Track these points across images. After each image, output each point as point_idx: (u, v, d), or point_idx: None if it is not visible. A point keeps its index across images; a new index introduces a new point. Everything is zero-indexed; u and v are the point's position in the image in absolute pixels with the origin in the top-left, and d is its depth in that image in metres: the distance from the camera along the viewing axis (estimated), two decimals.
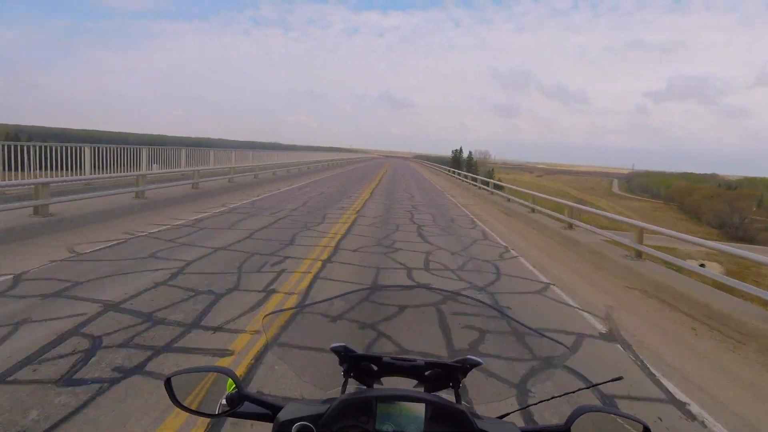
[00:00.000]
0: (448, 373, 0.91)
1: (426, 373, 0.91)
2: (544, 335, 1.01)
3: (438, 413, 0.80)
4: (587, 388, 0.99)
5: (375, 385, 0.93)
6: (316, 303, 1.13)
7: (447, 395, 0.88)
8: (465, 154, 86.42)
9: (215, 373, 0.85)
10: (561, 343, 0.94)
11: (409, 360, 0.92)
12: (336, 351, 0.92)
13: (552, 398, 0.92)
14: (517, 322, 0.96)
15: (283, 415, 0.82)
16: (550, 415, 2.00)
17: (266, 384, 2.54)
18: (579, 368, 2.34)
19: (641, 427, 0.78)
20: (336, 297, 1.07)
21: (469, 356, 0.91)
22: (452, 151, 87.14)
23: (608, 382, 0.97)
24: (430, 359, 0.92)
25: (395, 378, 0.94)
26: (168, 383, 0.83)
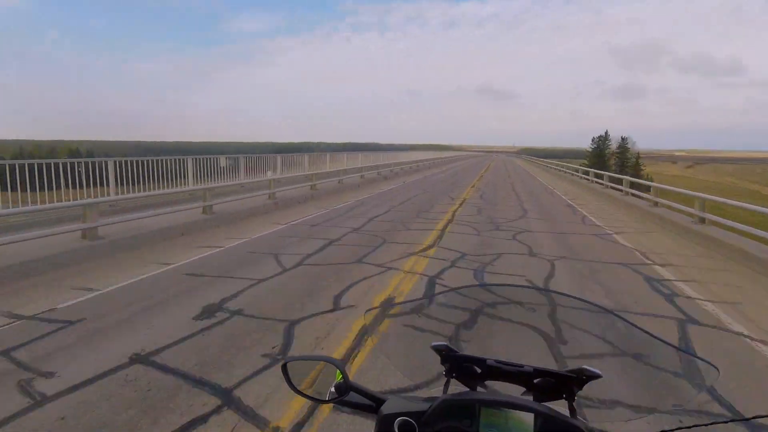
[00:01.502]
0: (561, 384, 0.89)
1: (535, 380, 0.90)
2: (690, 353, 0.93)
3: (549, 426, 0.78)
4: (741, 420, 0.92)
5: (478, 388, 0.94)
6: (419, 300, 1.17)
7: (561, 408, 0.85)
8: (612, 144, 62.28)
9: (324, 363, 0.94)
10: (711, 364, 0.84)
11: (516, 365, 0.92)
12: (437, 350, 0.95)
13: (694, 426, 0.81)
14: (653, 335, 0.90)
15: (386, 409, 0.88)
16: None
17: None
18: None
19: None
20: (440, 293, 1.17)
21: (586, 366, 0.87)
22: (593, 140, 64.37)
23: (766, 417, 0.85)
24: (540, 366, 0.91)
25: (499, 383, 0.94)
26: (284, 368, 0.94)
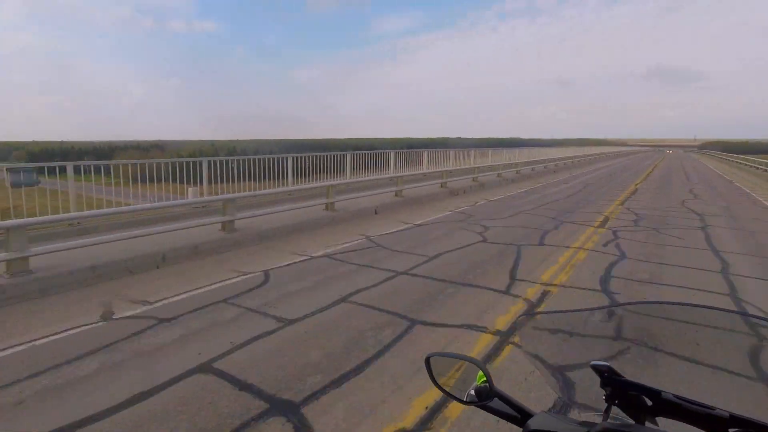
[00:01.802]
0: None
1: (730, 430, 0.74)
2: None
3: None
4: None
5: (647, 424, 0.83)
6: (579, 310, 1.14)
7: None
8: None
9: (467, 362, 0.93)
10: None
11: (706, 406, 0.76)
12: (597, 370, 0.86)
13: None
14: None
15: (534, 424, 0.82)
16: None
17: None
18: None
19: None
20: (607, 307, 1.05)
21: None
22: None
23: None
24: (740, 414, 0.74)
25: (675, 423, 0.79)
26: (427, 362, 0.95)
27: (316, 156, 11.78)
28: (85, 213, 6.12)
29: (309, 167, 11.46)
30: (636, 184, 18.03)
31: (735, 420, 0.73)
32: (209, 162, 9.46)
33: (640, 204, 11.85)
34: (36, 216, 6.14)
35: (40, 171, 6.85)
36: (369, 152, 13.75)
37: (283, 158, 10.89)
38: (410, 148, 18.87)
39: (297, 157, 11.16)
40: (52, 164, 7.43)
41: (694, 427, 0.77)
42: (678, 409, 0.79)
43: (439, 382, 0.94)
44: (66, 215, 6.05)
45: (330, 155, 12.40)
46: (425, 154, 16.38)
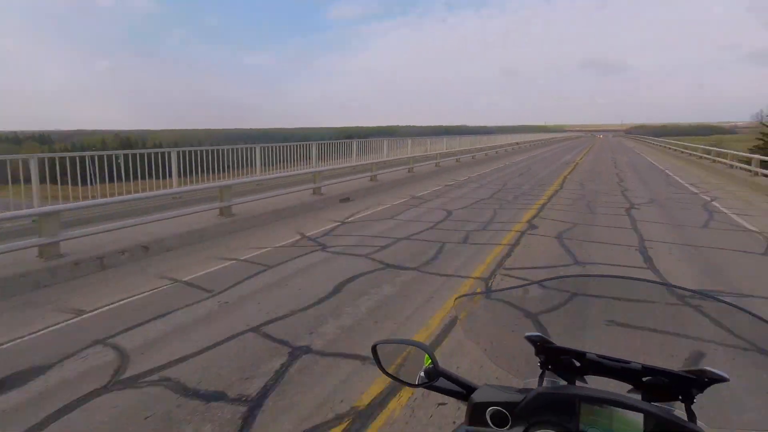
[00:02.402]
0: (677, 385, 0.81)
1: (644, 379, 0.84)
2: None
3: (663, 429, 0.73)
4: None
5: (577, 382, 0.91)
6: (511, 288, 1.20)
7: (676, 411, 0.79)
8: None
9: (413, 347, 0.96)
10: None
11: (622, 361, 0.87)
12: (531, 340, 0.93)
13: None
14: None
15: (477, 397, 0.88)
16: None
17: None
18: None
19: None
20: (537, 282, 1.12)
21: (708, 368, 0.79)
22: None
23: None
24: (650, 364, 0.84)
25: (600, 379, 0.90)
26: (374, 350, 0.98)
27: (209, 151, 10.06)
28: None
29: (198, 163, 9.80)
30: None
31: (647, 370, 0.85)
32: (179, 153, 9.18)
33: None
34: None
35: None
36: (284, 145, 12.01)
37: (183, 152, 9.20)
38: (350, 137, 17.88)
39: (184, 152, 9.52)
40: (14, 157, 6.85)
41: (616, 381, 0.88)
42: (601, 367, 0.89)
43: (388, 369, 0.98)
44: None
45: (238, 149, 10.77)
46: (354, 144, 14.93)
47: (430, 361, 0.93)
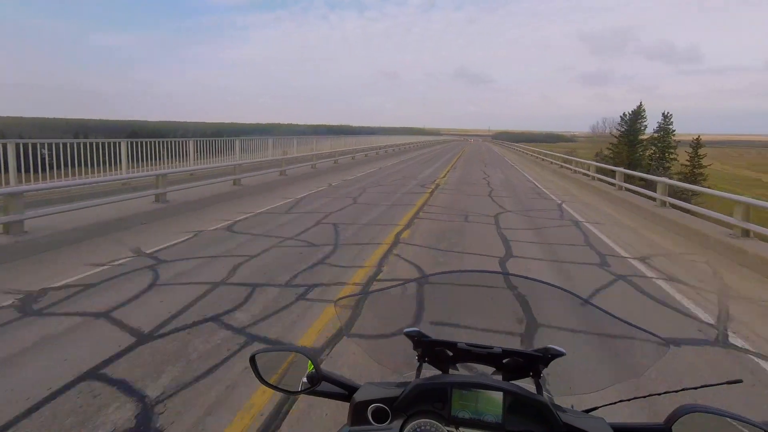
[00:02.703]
0: (528, 363, 0.95)
1: (504, 361, 0.96)
2: (641, 329, 0.97)
3: (518, 403, 0.83)
4: (694, 388, 0.92)
5: (450, 371, 0.99)
6: (388, 288, 1.20)
7: (528, 386, 0.92)
8: (649, 124, 46.64)
9: (295, 353, 0.94)
10: (661, 338, 0.93)
11: (486, 347, 0.97)
12: (409, 336, 0.99)
13: (649, 395, 0.93)
14: (610, 314, 0.97)
15: (358, 396, 0.90)
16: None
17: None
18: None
19: None
20: (412, 281, 1.15)
21: (551, 346, 0.93)
22: (622, 119, 47.75)
23: (723, 384, 0.94)
24: (508, 347, 0.97)
25: (472, 364, 1.00)
26: (253, 360, 0.93)
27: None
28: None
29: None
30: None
31: (506, 353, 0.97)
32: None
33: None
34: None
35: None
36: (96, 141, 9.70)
37: None
38: (219, 135, 15.95)
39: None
40: None
41: (484, 365, 1.00)
42: (470, 354, 0.99)
43: (270, 377, 0.95)
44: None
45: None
46: (190, 143, 12.62)
47: (313, 366, 0.92)
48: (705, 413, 0.75)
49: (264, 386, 0.95)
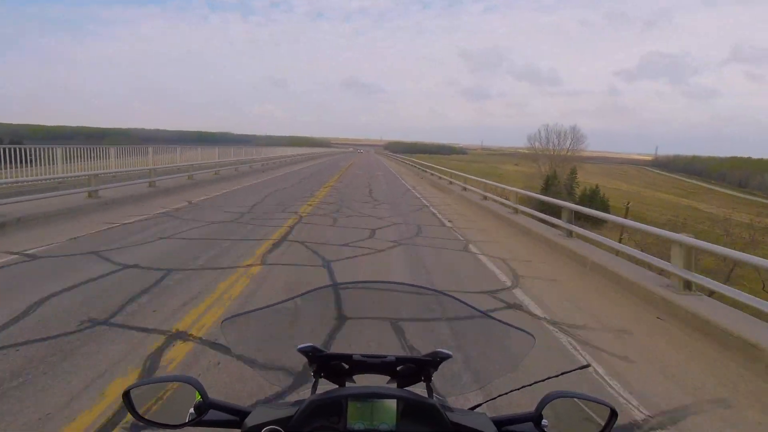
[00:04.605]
0: (420, 368, 1.01)
1: (397, 368, 1.01)
2: (511, 326, 1.09)
3: (410, 408, 0.89)
4: (555, 376, 1.09)
5: (347, 384, 1.02)
6: (278, 303, 1.19)
7: (420, 390, 0.99)
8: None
9: (177, 384, 0.91)
10: (528, 333, 1.06)
11: (380, 356, 1.01)
12: (304, 352, 0.99)
13: (522, 387, 1.09)
14: (487, 315, 1.08)
15: (250, 420, 0.90)
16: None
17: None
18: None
19: (608, 410, 0.90)
20: (298, 296, 1.15)
21: (439, 350, 1.00)
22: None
23: (576, 369, 1.18)
24: (401, 355, 1.02)
25: (368, 375, 1.03)
26: (126, 396, 0.89)
27: None
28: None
29: None
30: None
31: (399, 360, 1.02)
32: None
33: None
34: None
35: None
36: None
37: None
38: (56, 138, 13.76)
39: None
40: None
41: (380, 375, 1.04)
42: (365, 365, 1.02)
43: (147, 413, 0.91)
44: None
45: None
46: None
47: (200, 395, 0.90)
48: (565, 398, 0.92)
49: (140, 422, 0.90)
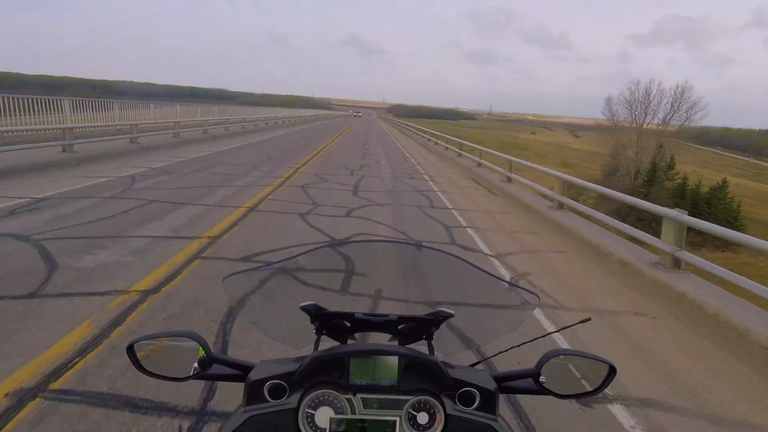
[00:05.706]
0: (421, 326, 1.08)
1: (399, 327, 1.08)
2: (515, 285, 1.24)
3: (411, 365, 0.93)
4: (557, 331, 1.23)
5: (349, 341, 1.08)
6: (280, 261, 1.25)
7: (422, 348, 1.05)
8: None
9: (181, 338, 0.95)
10: (532, 293, 1.13)
11: (382, 315, 1.08)
12: (306, 310, 1.05)
13: (522, 344, 1.10)
14: (489, 273, 1.15)
15: (254, 375, 0.94)
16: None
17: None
18: None
19: (607, 367, 0.95)
20: (300, 254, 1.21)
21: (441, 308, 1.07)
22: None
23: (577, 324, 1.21)
24: (403, 314, 1.09)
25: (369, 334, 1.12)
26: (131, 349, 0.93)
27: None
28: None
29: None
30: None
31: (401, 319, 1.08)
32: None
33: None
34: None
35: None
36: None
37: None
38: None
39: None
40: None
41: (381, 333, 1.11)
42: (367, 324, 1.09)
43: (152, 366, 0.95)
44: None
45: None
46: None
47: (203, 350, 0.94)
48: (564, 355, 0.97)
49: (146, 375, 0.94)
